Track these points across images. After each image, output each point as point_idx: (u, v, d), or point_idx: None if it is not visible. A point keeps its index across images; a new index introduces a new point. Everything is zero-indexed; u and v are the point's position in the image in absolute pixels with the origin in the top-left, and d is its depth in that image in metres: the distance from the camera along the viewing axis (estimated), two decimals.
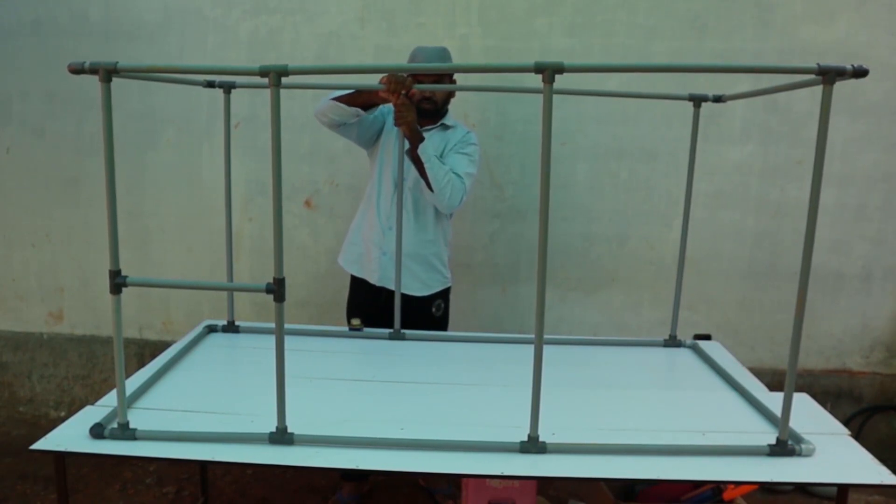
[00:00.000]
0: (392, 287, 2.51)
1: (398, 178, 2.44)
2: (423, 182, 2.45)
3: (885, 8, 2.90)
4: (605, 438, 1.68)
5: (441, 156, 2.52)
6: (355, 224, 2.70)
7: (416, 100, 2.41)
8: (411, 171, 2.49)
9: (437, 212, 2.60)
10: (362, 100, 2.39)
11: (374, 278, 2.61)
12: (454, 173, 2.47)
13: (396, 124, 2.37)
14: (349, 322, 2.54)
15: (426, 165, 2.39)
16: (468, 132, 2.62)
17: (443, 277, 2.68)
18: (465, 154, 2.55)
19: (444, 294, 2.71)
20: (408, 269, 2.55)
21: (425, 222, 2.60)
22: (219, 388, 2.00)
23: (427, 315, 2.66)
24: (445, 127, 2.61)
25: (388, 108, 2.59)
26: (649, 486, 2.21)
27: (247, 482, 2.94)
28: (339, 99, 2.39)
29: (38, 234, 3.44)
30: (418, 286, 2.61)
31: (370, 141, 2.64)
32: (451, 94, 2.62)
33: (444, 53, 2.55)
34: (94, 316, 3.49)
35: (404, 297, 2.53)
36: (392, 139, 2.57)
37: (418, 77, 2.37)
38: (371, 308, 2.62)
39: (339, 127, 2.50)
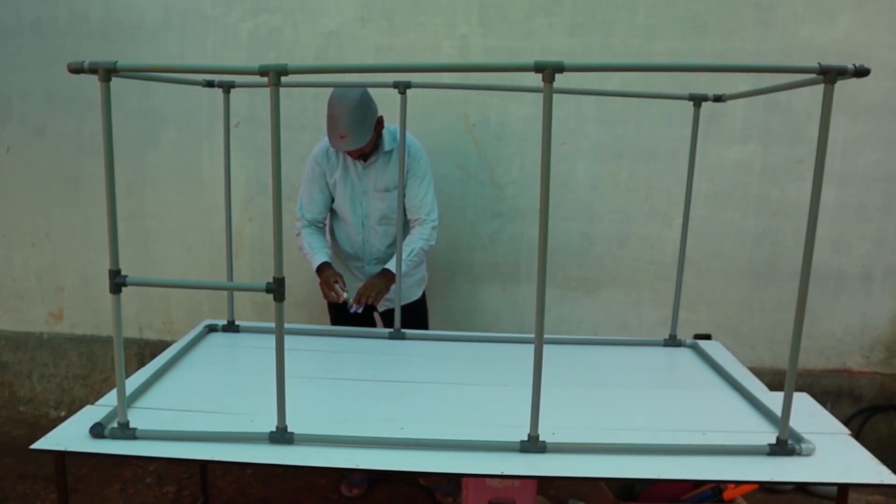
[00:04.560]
0: (385, 306, 2.72)
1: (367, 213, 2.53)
2: (392, 215, 2.58)
3: (885, 8, 2.90)
4: (605, 438, 1.68)
5: (395, 187, 2.52)
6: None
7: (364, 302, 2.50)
8: (373, 207, 2.59)
9: (403, 230, 2.62)
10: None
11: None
12: (419, 237, 2.58)
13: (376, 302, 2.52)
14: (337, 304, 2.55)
15: (405, 268, 2.51)
16: (408, 146, 2.51)
17: (425, 275, 2.87)
18: (419, 178, 2.56)
19: None
20: (404, 286, 2.65)
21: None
22: (219, 387, 2.00)
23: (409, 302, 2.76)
24: (388, 154, 2.56)
25: (323, 158, 2.61)
26: (649, 485, 2.21)
27: (247, 482, 2.94)
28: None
29: (38, 234, 3.43)
30: (416, 290, 2.78)
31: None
32: (378, 132, 2.50)
33: (362, 98, 2.36)
34: (94, 316, 3.49)
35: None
36: (341, 185, 2.60)
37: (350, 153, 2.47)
38: (369, 319, 2.79)
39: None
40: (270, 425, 1.63)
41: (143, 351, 3.43)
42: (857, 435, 3.09)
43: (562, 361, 2.22)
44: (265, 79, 1.50)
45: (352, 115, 2.33)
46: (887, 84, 2.95)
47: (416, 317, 2.78)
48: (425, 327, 2.85)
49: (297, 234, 2.67)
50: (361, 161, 2.55)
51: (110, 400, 1.82)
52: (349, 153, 2.50)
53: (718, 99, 2.25)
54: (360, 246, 2.69)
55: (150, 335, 3.46)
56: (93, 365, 3.52)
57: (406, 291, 2.71)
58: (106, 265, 1.59)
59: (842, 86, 1.62)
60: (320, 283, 2.54)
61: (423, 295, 2.86)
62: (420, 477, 2.87)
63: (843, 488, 1.62)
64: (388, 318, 2.72)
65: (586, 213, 3.16)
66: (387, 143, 2.55)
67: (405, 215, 2.62)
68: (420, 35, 3.05)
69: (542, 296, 1.55)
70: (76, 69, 1.51)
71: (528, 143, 3.10)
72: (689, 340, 2.49)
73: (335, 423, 1.72)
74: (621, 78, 2.96)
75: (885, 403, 3.21)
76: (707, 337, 2.53)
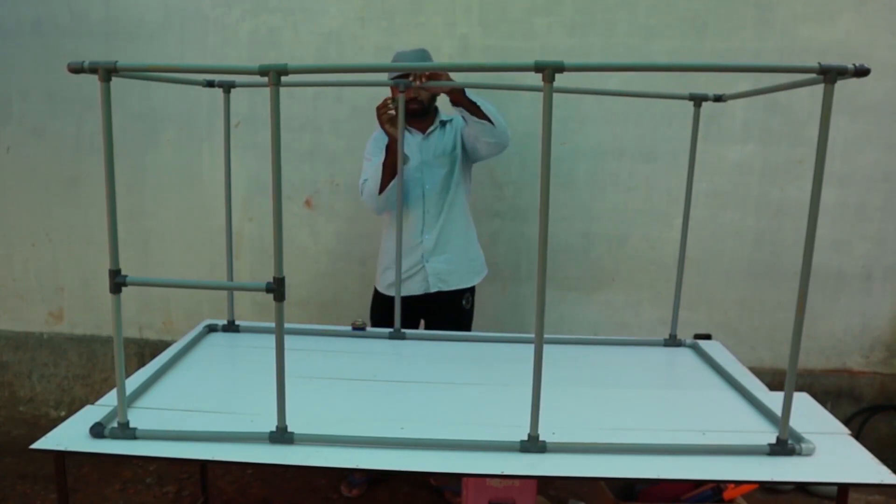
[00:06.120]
0: (438, 287, 2.65)
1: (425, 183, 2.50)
2: (451, 181, 2.63)
3: (885, 8, 2.90)
4: (605, 438, 1.68)
5: (454, 149, 2.63)
6: (385, 247, 2.73)
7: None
8: (433, 175, 2.59)
9: (463, 204, 2.70)
10: (391, 162, 2.44)
11: (421, 289, 2.67)
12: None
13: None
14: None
15: (480, 103, 2.46)
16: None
17: (483, 261, 2.80)
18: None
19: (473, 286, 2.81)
20: (456, 267, 2.66)
21: (457, 217, 2.69)
22: (219, 387, 2.00)
23: (457, 308, 2.73)
24: (444, 123, 2.67)
25: (381, 134, 2.59)
26: (649, 485, 2.21)
27: (247, 482, 2.94)
28: (382, 187, 2.49)
29: (38, 234, 3.44)
30: (468, 273, 2.72)
31: None
32: (436, 93, 2.63)
33: (424, 55, 2.60)
34: (94, 315, 3.49)
35: (448, 292, 2.67)
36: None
37: (409, 77, 2.42)
38: (413, 318, 2.72)
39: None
40: (270, 425, 1.63)
41: (143, 351, 3.43)
42: (857, 435, 3.09)
43: (562, 361, 2.22)
44: (265, 79, 1.50)
45: (413, 58, 2.54)
46: (887, 84, 2.95)
47: (459, 322, 2.74)
48: (471, 319, 2.83)
49: (362, 189, 2.61)
50: (420, 132, 2.63)
51: (110, 400, 1.82)
52: (408, 103, 2.44)
53: (718, 99, 2.25)
54: (419, 219, 2.65)
55: (150, 335, 3.46)
56: (93, 365, 3.52)
57: (458, 263, 2.68)
58: (106, 265, 1.59)
59: (842, 86, 1.62)
60: (381, 115, 2.44)
61: (473, 300, 2.78)
62: (431, 477, 2.87)
63: (843, 488, 1.62)
64: (430, 323, 2.70)
65: (586, 213, 3.16)
66: (443, 115, 2.68)
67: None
68: (420, 35, 3.05)
69: (542, 296, 1.55)
70: (76, 69, 1.51)
71: (528, 143, 3.10)
72: (689, 340, 2.48)
73: (335, 423, 1.72)
74: (621, 78, 2.96)
75: (885, 403, 3.21)
76: (707, 337, 2.53)
